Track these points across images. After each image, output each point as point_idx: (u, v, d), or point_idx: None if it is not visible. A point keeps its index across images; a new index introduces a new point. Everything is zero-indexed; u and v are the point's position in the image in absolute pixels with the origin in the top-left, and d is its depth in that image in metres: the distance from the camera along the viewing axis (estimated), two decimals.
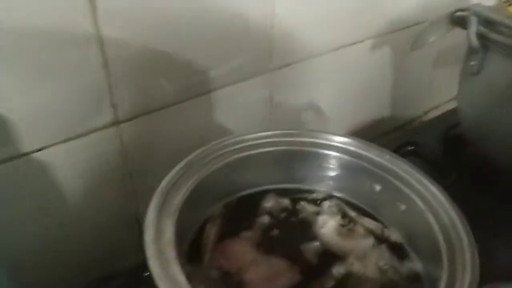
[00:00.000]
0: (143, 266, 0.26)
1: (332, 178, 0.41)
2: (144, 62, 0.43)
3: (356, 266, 0.36)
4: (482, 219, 0.34)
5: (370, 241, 0.38)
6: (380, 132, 0.77)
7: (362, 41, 0.63)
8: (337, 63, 0.62)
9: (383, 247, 0.38)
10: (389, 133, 0.79)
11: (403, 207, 0.37)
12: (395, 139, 0.60)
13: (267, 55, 0.53)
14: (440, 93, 0.87)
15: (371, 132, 0.75)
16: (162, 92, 0.46)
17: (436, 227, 0.33)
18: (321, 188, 0.41)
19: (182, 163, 0.35)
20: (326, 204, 0.41)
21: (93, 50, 0.39)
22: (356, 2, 0.59)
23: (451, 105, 0.85)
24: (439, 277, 0.30)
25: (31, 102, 0.38)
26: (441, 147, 0.55)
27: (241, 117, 0.55)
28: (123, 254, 0.51)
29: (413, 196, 0.36)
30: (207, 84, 0.49)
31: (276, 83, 0.56)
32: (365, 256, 0.37)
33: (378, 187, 0.39)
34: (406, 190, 0.37)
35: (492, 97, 0.49)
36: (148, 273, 0.25)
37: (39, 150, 0.40)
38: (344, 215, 0.40)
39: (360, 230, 0.39)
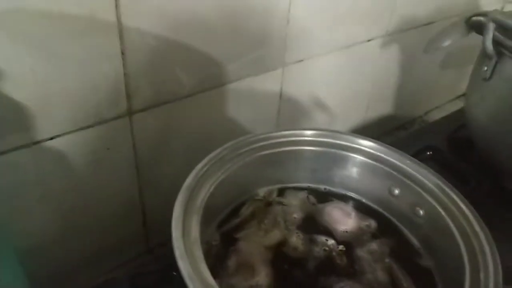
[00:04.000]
0: (170, 265, 0.26)
1: (351, 179, 0.41)
2: (160, 53, 0.42)
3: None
4: (499, 225, 0.34)
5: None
6: (385, 130, 0.78)
7: (373, 39, 0.63)
8: (347, 60, 0.62)
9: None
10: (393, 131, 0.79)
11: (421, 212, 0.38)
12: (403, 139, 0.60)
13: (282, 50, 0.52)
14: (444, 93, 0.88)
15: (374, 130, 0.75)
16: (177, 83, 0.45)
17: (457, 234, 0.33)
18: (339, 190, 0.41)
19: (205, 160, 0.34)
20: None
21: (112, 38, 0.38)
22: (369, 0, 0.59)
23: (453, 106, 0.87)
24: (460, 283, 0.30)
25: (47, 90, 0.37)
26: (448, 146, 0.55)
27: (252, 111, 0.54)
28: (131, 242, 0.51)
29: (433, 202, 0.36)
30: (222, 77, 0.48)
31: (287, 79, 0.56)
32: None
33: (397, 191, 0.39)
34: (426, 196, 0.37)
35: (503, 104, 0.49)
36: (176, 272, 0.25)
37: (52, 138, 0.39)
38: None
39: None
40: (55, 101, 0.38)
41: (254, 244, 0.35)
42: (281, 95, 0.57)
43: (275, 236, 0.37)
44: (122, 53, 0.39)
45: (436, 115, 0.83)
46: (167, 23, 0.41)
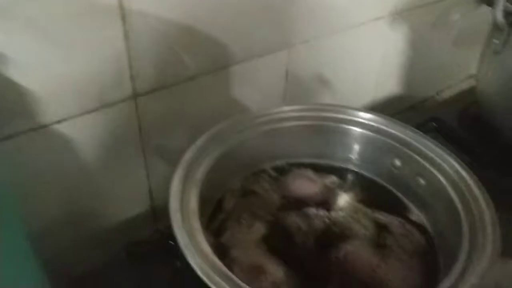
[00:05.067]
0: (167, 234, 0.26)
1: (352, 152, 0.41)
2: (164, 35, 0.42)
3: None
4: (504, 198, 0.34)
5: None
6: (394, 110, 0.77)
7: (382, 18, 0.62)
8: (356, 40, 0.61)
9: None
10: (404, 111, 0.78)
11: (423, 181, 0.38)
12: (413, 117, 0.59)
13: (287, 31, 0.52)
14: (456, 72, 0.86)
15: (385, 110, 0.74)
16: (181, 66, 0.45)
17: (458, 203, 0.33)
18: (341, 164, 0.41)
19: (206, 136, 0.35)
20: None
21: (115, 21, 0.38)
22: None
23: (466, 85, 0.84)
24: (459, 249, 0.30)
25: (51, 73, 0.38)
26: (459, 124, 0.54)
27: (257, 93, 0.54)
28: (138, 225, 0.52)
29: (435, 172, 0.36)
30: (227, 59, 0.48)
31: (293, 59, 0.55)
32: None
33: (398, 162, 0.39)
34: (427, 166, 0.37)
35: None
36: (173, 242, 0.26)
37: (58, 122, 0.40)
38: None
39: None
40: (60, 85, 0.38)
41: (245, 244, 0.35)
42: (287, 76, 0.56)
43: (258, 229, 0.36)
44: (125, 36, 0.40)
45: (449, 95, 0.81)
46: (169, 4, 0.41)
